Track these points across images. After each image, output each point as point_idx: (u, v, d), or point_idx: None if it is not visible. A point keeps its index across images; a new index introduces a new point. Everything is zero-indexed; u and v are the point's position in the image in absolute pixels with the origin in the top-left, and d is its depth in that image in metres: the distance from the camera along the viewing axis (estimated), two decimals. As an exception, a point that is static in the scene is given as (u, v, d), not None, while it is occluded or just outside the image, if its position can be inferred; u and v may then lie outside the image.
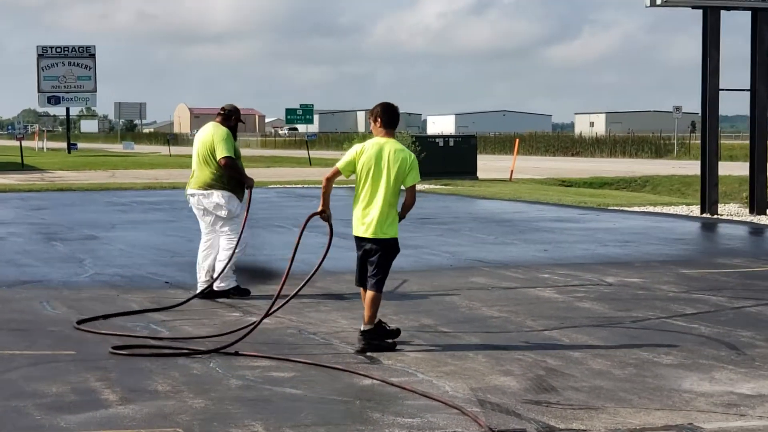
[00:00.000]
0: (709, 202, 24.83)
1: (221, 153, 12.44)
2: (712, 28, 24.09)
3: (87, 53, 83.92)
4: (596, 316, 11.46)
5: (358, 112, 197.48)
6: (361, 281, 9.91)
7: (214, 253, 12.73)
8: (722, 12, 24.25)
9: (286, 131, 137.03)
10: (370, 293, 9.70)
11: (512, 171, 42.78)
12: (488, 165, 49.69)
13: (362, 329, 9.70)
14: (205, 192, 12.57)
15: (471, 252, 17.23)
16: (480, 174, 41.45)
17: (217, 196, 12.55)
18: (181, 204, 27.31)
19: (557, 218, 23.93)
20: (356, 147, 9.93)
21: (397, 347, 9.69)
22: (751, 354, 9.56)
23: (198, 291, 12.48)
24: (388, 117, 9.98)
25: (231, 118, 12.90)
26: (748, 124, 25.84)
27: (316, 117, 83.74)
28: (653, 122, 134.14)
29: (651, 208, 27.14)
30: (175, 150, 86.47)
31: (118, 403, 7.75)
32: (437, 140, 42.89)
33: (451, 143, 42.04)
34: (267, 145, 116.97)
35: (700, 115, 25.17)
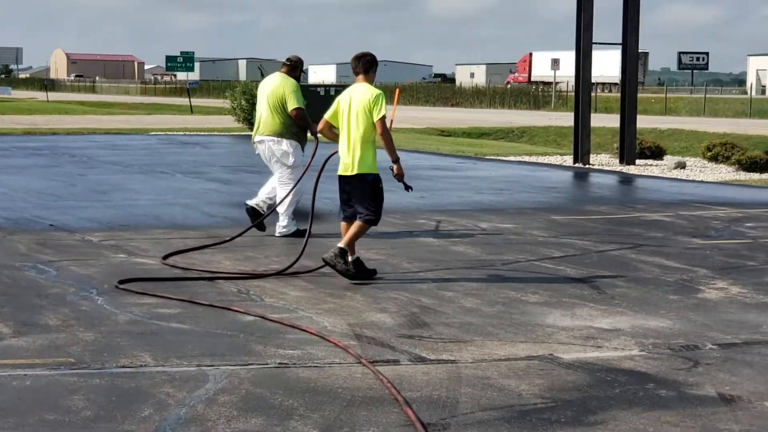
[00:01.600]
0: (581, 152, 25.61)
1: (293, 104, 13.12)
2: (587, -18, 24.76)
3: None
4: (469, 259, 12.01)
5: (240, 61, 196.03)
6: (345, 217, 10.80)
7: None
8: (597, -33, 24.94)
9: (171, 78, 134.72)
10: (358, 223, 10.61)
11: (392, 120, 42.98)
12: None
13: (340, 246, 10.52)
14: (275, 139, 13.24)
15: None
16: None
17: (287, 145, 13.25)
18: (63, 149, 27.35)
19: (435, 167, 24.51)
20: (337, 97, 10.94)
21: (281, 289, 10.14)
22: (611, 293, 10.18)
23: (250, 203, 13.47)
24: (354, 64, 10.89)
25: (297, 68, 13.54)
26: (620, 77, 26.64)
27: (197, 65, 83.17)
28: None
29: (526, 158, 27.89)
30: (53, 96, 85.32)
31: (11, 335, 8.08)
32: (318, 89, 43.12)
33: (332, 92, 42.31)
34: (147, 92, 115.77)
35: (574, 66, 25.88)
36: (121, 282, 10.11)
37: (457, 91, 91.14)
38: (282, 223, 13.37)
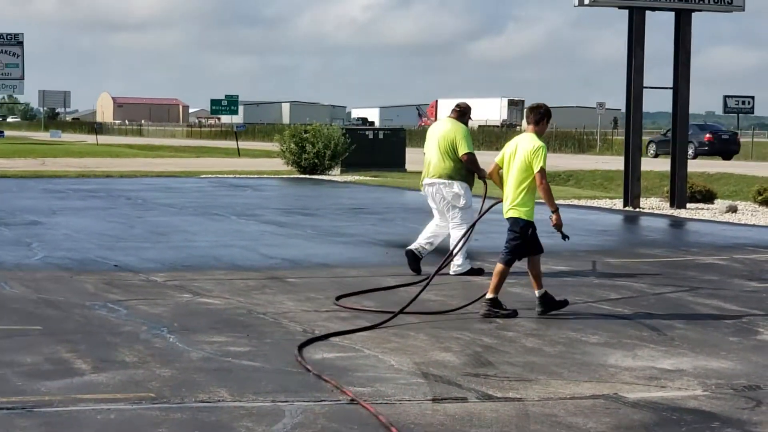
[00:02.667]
0: (631, 196, 25.71)
1: (464, 149, 13.65)
2: (638, 27, 24.95)
3: (15, 41, 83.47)
4: (527, 300, 12.13)
5: (283, 104, 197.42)
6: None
7: (442, 235, 14.05)
8: (647, 12, 25.14)
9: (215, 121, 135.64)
10: (497, 267, 11.17)
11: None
12: (416, 158, 50.34)
13: (488, 297, 11.13)
14: (446, 182, 13.77)
15: (405, 241, 17.90)
16: (408, 166, 42.12)
17: (458, 187, 13.76)
18: (118, 192, 27.78)
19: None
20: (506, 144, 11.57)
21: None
22: (670, 335, 10.33)
23: (412, 247, 14.14)
24: (527, 114, 11.55)
25: (465, 114, 14.01)
26: (670, 122, 26.76)
27: (240, 108, 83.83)
28: (577, 118, 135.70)
29: (576, 201, 28.00)
30: (102, 139, 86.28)
31: (91, 371, 8.35)
32: (367, 133, 43.52)
33: (381, 136, 42.70)
34: (192, 135, 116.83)
35: (622, 111, 26.08)
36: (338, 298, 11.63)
37: (500, 135, 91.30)
38: (457, 262, 13.85)
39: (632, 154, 25.62)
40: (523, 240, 11.23)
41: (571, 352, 9.46)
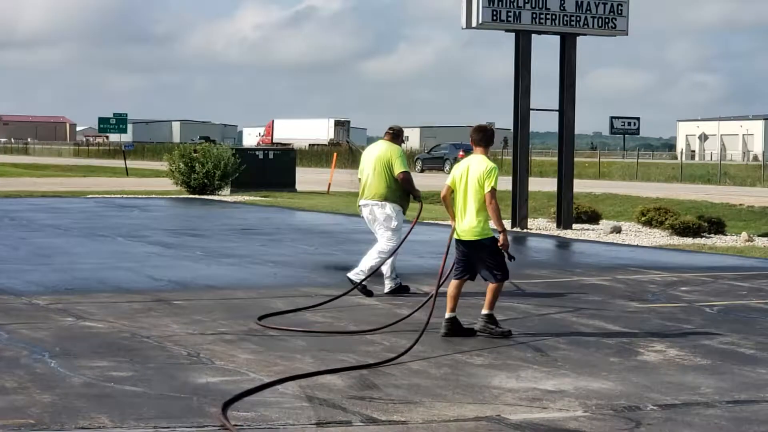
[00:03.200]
0: (519, 217, 25.98)
1: (399, 168, 13.98)
2: (524, 50, 25.26)
3: None
4: (414, 322, 12.17)
5: (173, 122, 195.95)
6: (457, 275, 11.62)
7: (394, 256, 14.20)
8: (533, 35, 25.46)
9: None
10: (491, 286, 11.46)
11: (330, 184, 43.56)
12: (307, 177, 50.31)
13: (484, 312, 11.44)
14: (379, 203, 14.09)
15: (294, 261, 17.90)
16: (299, 186, 42.11)
17: (390, 209, 14.08)
18: (1, 212, 27.28)
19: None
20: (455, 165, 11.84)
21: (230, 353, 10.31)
22: (554, 356, 10.45)
23: (387, 289, 14.30)
24: (475, 136, 11.74)
25: (399, 137, 14.45)
26: (557, 143, 27.09)
27: (129, 126, 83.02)
28: (467, 137, 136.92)
29: (464, 222, 28.17)
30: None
31: (-31, 398, 8.19)
32: (257, 153, 43.39)
33: (271, 156, 42.58)
34: (80, 153, 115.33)
35: (512, 131, 26.34)
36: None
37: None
38: (386, 282, 14.28)
39: (520, 175, 25.90)
40: (499, 251, 11.42)
41: (456, 374, 9.52)
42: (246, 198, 36.47)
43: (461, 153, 66.84)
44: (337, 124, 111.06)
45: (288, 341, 10.84)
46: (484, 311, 11.49)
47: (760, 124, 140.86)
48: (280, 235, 23.18)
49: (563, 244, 23.06)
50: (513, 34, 25.37)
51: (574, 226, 26.38)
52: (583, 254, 21.11)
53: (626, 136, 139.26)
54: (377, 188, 14.08)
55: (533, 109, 25.72)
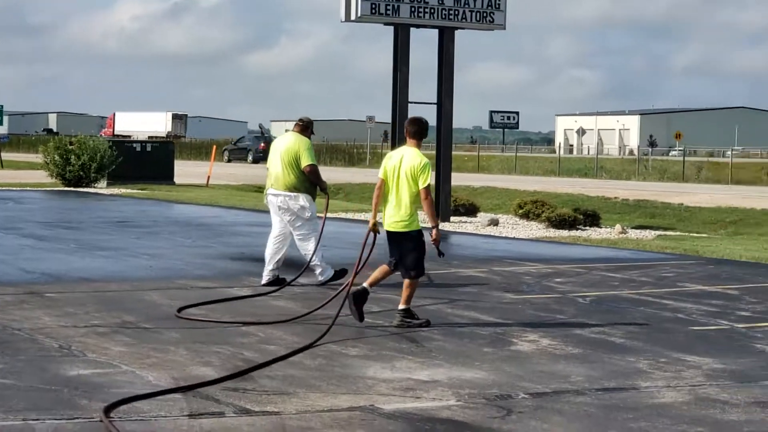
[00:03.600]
0: (397, 210, 26.06)
1: (306, 161, 14.14)
2: (402, 44, 25.37)
3: None
4: (290, 313, 12.20)
5: (50, 114, 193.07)
6: (390, 262, 11.78)
7: (284, 248, 14.43)
8: (412, 29, 25.58)
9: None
10: (406, 282, 11.62)
11: (209, 177, 43.29)
12: (185, 170, 49.95)
13: (401, 308, 11.59)
14: (291, 194, 14.22)
15: (170, 254, 17.75)
16: (177, 179, 41.76)
17: (303, 199, 14.26)
18: None
19: (253, 223, 24.65)
20: (386, 156, 11.89)
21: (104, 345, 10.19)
22: (428, 346, 10.52)
23: (264, 280, 14.31)
24: (410, 128, 11.76)
25: (308, 129, 14.54)
26: (435, 136, 27.28)
27: (5, 118, 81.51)
28: (348, 131, 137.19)
29: (343, 215, 28.28)
30: None
31: None
32: (134, 145, 42.91)
33: (149, 148, 42.13)
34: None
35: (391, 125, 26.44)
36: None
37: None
38: (317, 272, 14.48)
39: (398, 168, 25.95)
40: (421, 247, 11.64)
41: (331, 365, 9.53)
42: (123, 191, 36.07)
43: (262, 145, 73.49)
44: (175, 117, 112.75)
45: (162, 333, 10.74)
46: (401, 306, 11.61)
47: (636, 119, 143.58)
48: (157, 227, 22.96)
49: (441, 237, 23.16)
50: (392, 28, 25.46)
51: (452, 218, 26.59)
52: (460, 246, 21.28)
53: (506, 130, 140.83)
54: (287, 180, 14.21)
55: (412, 102, 25.83)
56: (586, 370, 9.57)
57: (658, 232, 26.35)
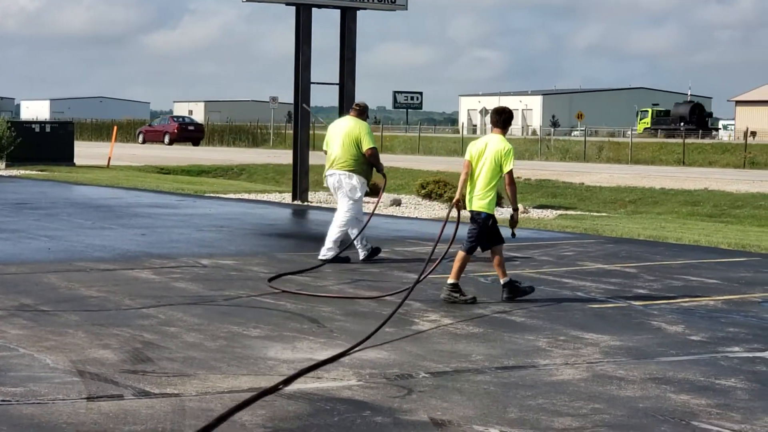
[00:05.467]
0: (300, 190, 26.08)
1: (368, 144, 14.96)
2: (304, 24, 25.32)
3: None
4: (191, 295, 12.14)
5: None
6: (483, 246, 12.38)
7: (361, 222, 15.26)
8: (314, 9, 25.52)
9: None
10: (458, 254, 12.22)
11: (110, 158, 42.82)
12: (86, 152, 49.40)
13: (450, 281, 12.11)
14: (347, 173, 15.00)
15: (69, 236, 17.54)
16: (77, 160, 41.26)
17: (356, 180, 15.04)
18: None
19: (155, 204, 24.48)
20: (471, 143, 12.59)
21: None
22: (330, 327, 10.53)
23: (362, 256, 15.27)
24: (495, 118, 12.41)
25: (364, 112, 15.34)
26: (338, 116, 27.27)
27: None
28: (252, 112, 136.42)
29: (246, 195, 28.18)
30: None
31: None
32: (33, 126, 42.29)
33: (48, 129, 41.54)
34: None
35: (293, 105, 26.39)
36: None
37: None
38: (327, 247, 15.08)
39: (300, 148, 26.00)
40: (483, 230, 12.13)
41: (231, 346, 9.50)
42: (21, 172, 35.57)
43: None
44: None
45: (60, 316, 10.62)
46: (450, 280, 12.08)
47: (538, 99, 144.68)
48: (56, 209, 22.66)
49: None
50: (294, 8, 25.38)
51: (356, 199, 26.56)
52: (363, 227, 21.27)
53: (409, 110, 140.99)
54: (345, 160, 14.95)
55: (314, 83, 25.82)
56: (487, 348, 9.65)
57: (559, 212, 26.61)
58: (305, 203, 25.76)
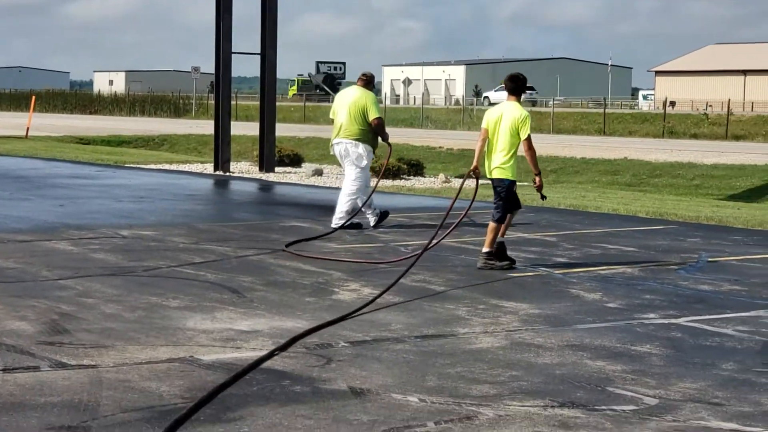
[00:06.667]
0: (222, 160, 25.95)
1: (374, 114, 15.43)
2: (225, -7, 25.10)
3: None
4: (110, 266, 12.04)
5: None
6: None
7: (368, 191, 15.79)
8: (235, -22, 25.34)
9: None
10: (490, 225, 12.46)
11: (28, 128, 42.27)
12: (3, 122, 48.78)
13: (485, 251, 12.40)
14: (353, 142, 15.40)
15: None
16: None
17: (362, 148, 15.46)
18: None
19: (74, 175, 24.23)
20: (490, 109, 12.74)
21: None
22: (250, 296, 10.50)
23: (372, 222, 15.82)
24: (509, 85, 12.53)
25: (371, 82, 15.76)
26: (259, 86, 27.12)
27: None
28: (174, 82, 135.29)
29: (167, 166, 27.98)
30: None
31: None
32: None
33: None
34: None
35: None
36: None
37: (95, 99, 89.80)
38: (338, 216, 15.53)
39: (222, 118, 25.83)
40: (509, 196, 12.44)
41: (150, 317, 9.43)
42: (-62, 143, 35.02)
43: None
44: None
45: (-24, 288, 10.48)
46: (485, 249, 12.39)
47: (461, 69, 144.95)
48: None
49: (265, 187, 23.15)
50: (214, -24, 25.18)
51: (277, 169, 26.55)
52: (284, 196, 21.26)
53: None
54: (352, 129, 15.36)
55: (235, 53, 25.70)
56: (406, 318, 9.67)
57: (482, 181, 26.69)
58: (227, 173, 25.63)
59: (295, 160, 28.26)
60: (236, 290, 10.80)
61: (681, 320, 9.83)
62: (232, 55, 25.59)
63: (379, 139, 15.67)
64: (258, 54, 26.08)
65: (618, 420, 6.65)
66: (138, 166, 27.90)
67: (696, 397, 7.24)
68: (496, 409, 6.84)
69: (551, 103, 73.09)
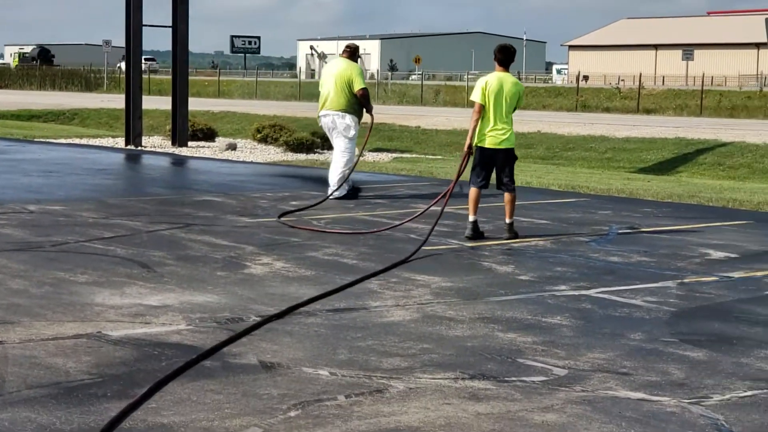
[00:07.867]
0: (133, 135, 25.67)
1: (359, 85, 15.81)
2: (136, -35, 24.79)
3: None
4: (17, 241, 11.84)
5: None
6: (479, 185, 12.84)
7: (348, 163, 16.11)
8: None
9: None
10: (510, 197, 12.81)
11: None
12: None
13: (508, 222, 12.85)
14: (340, 113, 15.80)
15: None
16: None
17: (349, 119, 15.87)
18: None
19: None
20: (481, 82, 12.68)
21: None
22: (160, 271, 10.38)
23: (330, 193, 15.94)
24: (500, 56, 12.70)
25: (356, 54, 16.09)
26: (171, 59, 26.86)
27: None
28: (85, 55, 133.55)
29: (77, 140, 27.62)
30: None
31: None
32: None
33: None
34: None
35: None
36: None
37: (5, 72, 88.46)
38: (333, 188, 15.93)
39: (133, 91, 25.55)
40: (513, 163, 12.99)
41: (57, 293, 9.29)
42: None
43: None
44: None
45: None
46: (508, 220, 12.82)
47: (377, 43, 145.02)
48: None
49: (178, 161, 22.95)
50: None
51: (190, 143, 26.34)
52: (197, 171, 21.09)
53: (247, 55, 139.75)
54: (338, 101, 15.76)
55: (146, 25, 25.39)
56: (318, 291, 9.61)
57: (394, 155, 26.75)
58: (139, 148, 25.36)
59: (209, 135, 28.04)
60: (146, 265, 10.68)
61: (591, 292, 9.90)
62: (143, 27, 25.28)
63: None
64: (169, 27, 25.79)
65: (528, 391, 6.67)
66: (48, 140, 27.53)
67: (605, 367, 7.29)
68: (407, 381, 6.83)
69: (466, 77, 73.19)
